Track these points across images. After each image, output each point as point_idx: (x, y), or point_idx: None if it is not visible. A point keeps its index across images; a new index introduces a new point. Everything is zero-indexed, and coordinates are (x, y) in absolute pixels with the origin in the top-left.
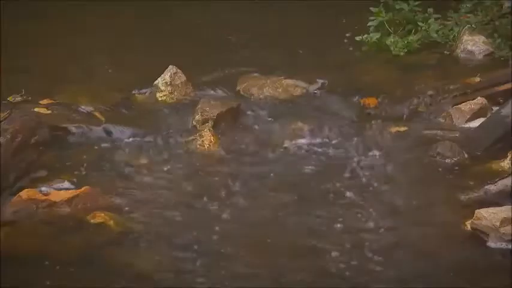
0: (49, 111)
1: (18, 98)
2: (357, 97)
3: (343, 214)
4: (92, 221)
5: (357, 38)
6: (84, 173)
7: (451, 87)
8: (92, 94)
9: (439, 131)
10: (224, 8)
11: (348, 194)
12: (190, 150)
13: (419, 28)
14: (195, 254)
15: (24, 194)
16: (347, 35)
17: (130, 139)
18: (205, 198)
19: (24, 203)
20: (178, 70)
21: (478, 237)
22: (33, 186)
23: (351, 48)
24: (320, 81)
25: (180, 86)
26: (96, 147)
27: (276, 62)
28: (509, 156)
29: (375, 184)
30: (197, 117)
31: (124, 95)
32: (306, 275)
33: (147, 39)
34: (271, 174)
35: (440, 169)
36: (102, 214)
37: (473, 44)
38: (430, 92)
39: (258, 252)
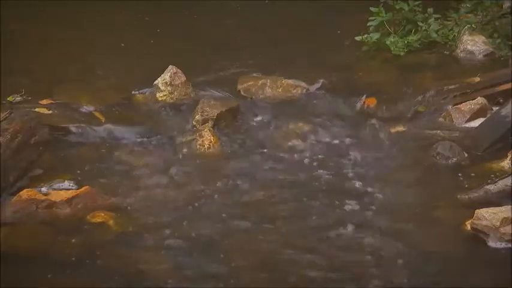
0: (49, 111)
1: (18, 98)
2: (357, 97)
3: (343, 214)
4: (92, 220)
5: (357, 38)
6: (84, 173)
7: (451, 87)
8: (92, 94)
9: (439, 131)
10: (224, 7)
11: (348, 193)
12: (190, 150)
13: (419, 28)
14: (195, 253)
15: (24, 194)
16: (344, 35)
17: (130, 139)
18: (205, 198)
19: (24, 203)
20: (178, 70)
21: (478, 237)
22: (33, 186)
23: (351, 48)
24: (320, 81)
25: (180, 86)
26: (96, 147)
27: (276, 62)
28: (509, 156)
29: (375, 184)
30: (197, 117)
31: (124, 95)
32: (302, 271)
33: (147, 39)
34: (272, 174)
35: (440, 169)
36: (102, 214)
37: (473, 44)
38: (430, 92)
39: (258, 252)
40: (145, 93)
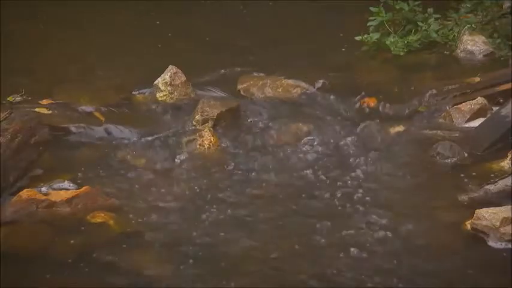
0: (49, 111)
1: (18, 98)
2: (357, 97)
3: (343, 214)
4: (92, 221)
5: (357, 38)
6: (84, 173)
7: (451, 87)
8: (92, 94)
9: (439, 131)
10: (224, 7)
11: (348, 193)
12: (190, 150)
13: (419, 28)
14: (195, 254)
15: (24, 194)
16: (343, 35)
17: (130, 139)
18: (204, 198)
19: (24, 203)
20: (178, 70)
21: (478, 237)
22: (33, 186)
23: (351, 48)
24: (320, 81)
25: (180, 86)
26: (96, 147)
27: (276, 62)
28: (509, 156)
29: (375, 184)
30: (197, 117)
31: (124, 95)
32: (303, 275)
33: (147, 39)
34: (271, 175)
35: (440, 169)
36: (102, 214)
37: (473, 44)
38: (430, 92)
39: (257, 253)
40: (145, 93)
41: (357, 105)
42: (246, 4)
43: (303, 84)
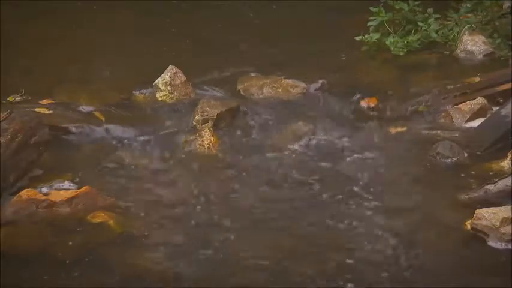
0: (49, 111)
1: (18, 98)
2: (356, 97)
3: (343, 214)
4: (92, 220)
5: (357, 38)
6: (84, 173)
7: (451, 87)
8: (92, 94)
9: (439, 131)
10: (224, 7)
11: (348, 194)
12: (190, 150)
13: (419, 28)
14: (195, 253)
15: (24, 194)
16: (343, 35)
17: (130, 139)
18: (205, 198)
19: (24, 203)
20: (178, 70)
21: (478, 237)
22: (33, 186)
23: (351, 48)
24: (320, 81)
25: (180, 86)
26: (96, 147)
27: (276, 62)
28: (509, 156)
29: (375, 184)
30: (197, 117)
31: (124, 95)
32: (305, 275)
33: (147, 38)
34: (271, 175)
35: (440, 169)
36: (102, 214)
37: (473, 44)
38: (430, 92)
39: (257, 253)
40: (145, 93)
41: (357, 105)
42: (246, 4)
43: (302, 84)
